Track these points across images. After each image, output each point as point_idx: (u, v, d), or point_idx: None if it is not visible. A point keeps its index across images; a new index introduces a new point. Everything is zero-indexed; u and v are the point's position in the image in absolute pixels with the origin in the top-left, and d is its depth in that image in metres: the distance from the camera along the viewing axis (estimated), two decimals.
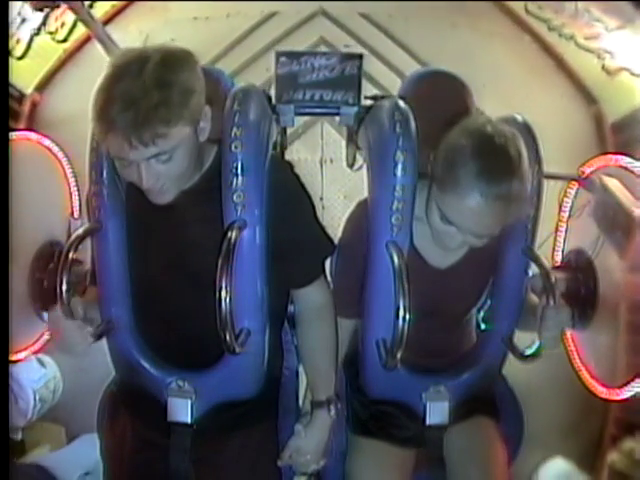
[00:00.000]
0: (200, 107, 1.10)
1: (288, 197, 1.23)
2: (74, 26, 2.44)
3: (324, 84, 1.92)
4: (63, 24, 2.44)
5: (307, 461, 1.31)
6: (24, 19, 2.37)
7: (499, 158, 1.16)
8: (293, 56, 1.85)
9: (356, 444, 1.47)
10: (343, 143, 2.35)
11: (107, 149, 1.10)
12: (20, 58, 2.40)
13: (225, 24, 1.97)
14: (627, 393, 1.72)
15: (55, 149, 2.28)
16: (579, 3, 2.28)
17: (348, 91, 1.95)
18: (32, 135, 2.23)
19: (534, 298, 1.42)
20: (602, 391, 1.83)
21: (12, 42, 2.35)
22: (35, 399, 2.28)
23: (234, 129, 1.16)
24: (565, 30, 2.36)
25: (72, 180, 2.30)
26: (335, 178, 2.30)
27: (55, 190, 2.23)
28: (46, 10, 2.31)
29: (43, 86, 2.46)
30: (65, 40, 2.44)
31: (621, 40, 2.24)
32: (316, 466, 1.33)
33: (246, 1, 2.32)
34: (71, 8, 1.97)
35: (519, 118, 1.33)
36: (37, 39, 2.41)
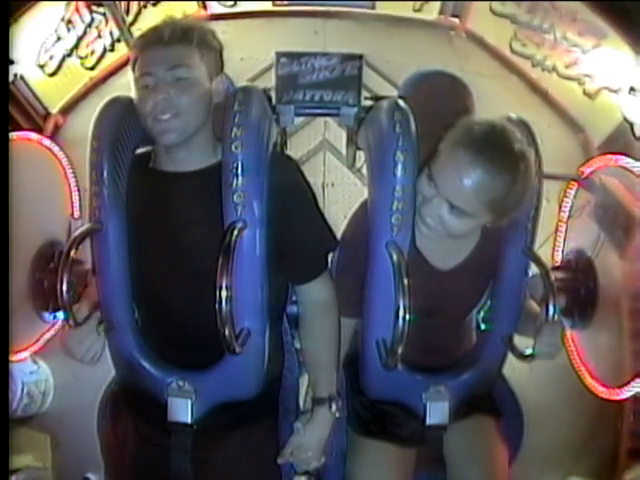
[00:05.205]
0: (216, 63, 1.24)
1: (290, 193, 1.23)
2: (103, 56, 2.52)
3: (324, 85, 1.93)
4: (93, 52, 2.52)
5: (308, 458, 1.31)
6: (59, 37, 2.44)
7: (503, 147, 1.18)
8: (293, 57, 1.85)
9: (357, 444, 1.46)
10: (344, 169, 2.61)
11: (138, 68, 1.19)
12: (51, 75, 2.48)
13: (239, 66, 2.11)
14: (627, 393, 1.72)
15: (55, 149, 2.28)
16: (557, 31, 2.42)
17: (348, 92, 1.95)
18: (32, 135, 2.22)
19: (535, 306, 1.41)
20: (602, 391, 1.83)
21: (45, 57, 2.44)
22: (23, 391, 2.25)
23: (234, 129, 1.16)
24: (547, 62, 2.49)
25: (72, 180, 2.30)
26: (336, 200, 2.56)
27: (55, 190, 2.23)
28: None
29: (67, 110, 2.55)
30: (93, 68, 2.52)
31: (597, 60, 2.36)
32: (317, 463, 1.32)
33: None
34: None
35: (519, 118, 1.33)
36: (68, 60, 2.48)
